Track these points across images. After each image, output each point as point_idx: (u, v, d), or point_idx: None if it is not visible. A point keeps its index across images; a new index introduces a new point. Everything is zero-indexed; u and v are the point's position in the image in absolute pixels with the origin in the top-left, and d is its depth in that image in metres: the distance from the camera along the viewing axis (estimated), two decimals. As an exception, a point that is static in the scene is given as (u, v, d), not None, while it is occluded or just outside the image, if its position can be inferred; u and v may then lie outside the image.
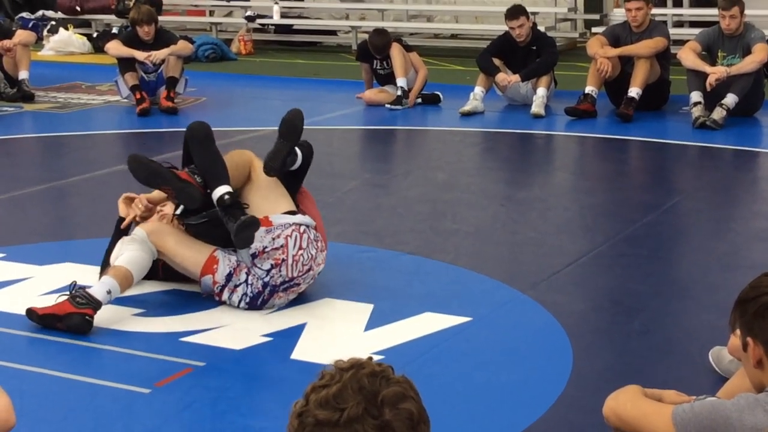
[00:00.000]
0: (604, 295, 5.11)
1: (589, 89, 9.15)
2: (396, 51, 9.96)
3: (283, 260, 4.72)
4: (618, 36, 9.30)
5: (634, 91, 8.97)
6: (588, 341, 4.46)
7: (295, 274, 4.75)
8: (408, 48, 10.20)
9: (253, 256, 4.72)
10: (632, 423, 2.80)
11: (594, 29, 12.47)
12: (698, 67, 8.70)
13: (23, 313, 4.60)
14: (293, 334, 4.52)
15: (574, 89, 9.60)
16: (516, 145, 8.71)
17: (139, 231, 4.80)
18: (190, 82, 10.32)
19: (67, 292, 4.59)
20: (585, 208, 6.74)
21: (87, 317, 4.50)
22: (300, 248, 4.75)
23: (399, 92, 9.89)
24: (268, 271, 4.72)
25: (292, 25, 14.70)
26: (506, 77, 9.58)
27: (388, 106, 9.91)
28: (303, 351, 4.34)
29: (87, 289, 4.59)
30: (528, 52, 9.64)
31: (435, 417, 2.00)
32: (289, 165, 4.95)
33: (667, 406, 2.73)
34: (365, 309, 4.77)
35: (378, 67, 10.17)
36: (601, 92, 9.25)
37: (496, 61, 9.66)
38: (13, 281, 5.20)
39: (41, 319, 4.54)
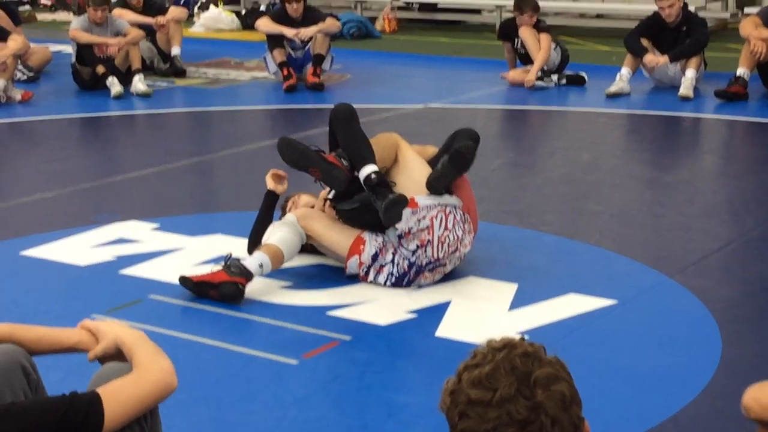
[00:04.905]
0: (754, 282, 4.99)
1: (741, 71, 8.93)
2: (526, 33, 9.91)
3: (429, 241, 4.75)
4: (773, 17, 9.03)
5: (788, 74, 8.73)
6: (737, 329, 4.38)
7: (440, 255, 4.79)
8: (544, 29, 10.06)
9: (400, 237, 4.77)
10: None
11: (746, 9, 12.16)
12: None
13: (177, 282, 4.76)
14: (438, 311, 4.56)
15: (724, 71, 9.37)
16: (662, 128, 8.55)
17: (289, 216, 4.97)
18: (335, 60, 10.44)
19: (222, 263, 4.74)
20: (734, 192, 6.59)
21: (240, 286, 4.65)
22: (446, 229, 4.78)
23: (539, 73, 9.83)
24: (414, 251, 4.76)
25: (436, 4, 14.70)
26: (654, 58, 9.42)
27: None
28: (448, 328, 4.37)
29: (241, 261, 4.73)
30: (677, 33, 9.45)
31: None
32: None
33: None
34: (509, 288, 4.78)
35: (519, 46, 10.11)
36: (753, 74, 9.01)
37: (644, 42, 9.51)
38: (167, 251, 5.37)
39: (196, 287, 4.69)
